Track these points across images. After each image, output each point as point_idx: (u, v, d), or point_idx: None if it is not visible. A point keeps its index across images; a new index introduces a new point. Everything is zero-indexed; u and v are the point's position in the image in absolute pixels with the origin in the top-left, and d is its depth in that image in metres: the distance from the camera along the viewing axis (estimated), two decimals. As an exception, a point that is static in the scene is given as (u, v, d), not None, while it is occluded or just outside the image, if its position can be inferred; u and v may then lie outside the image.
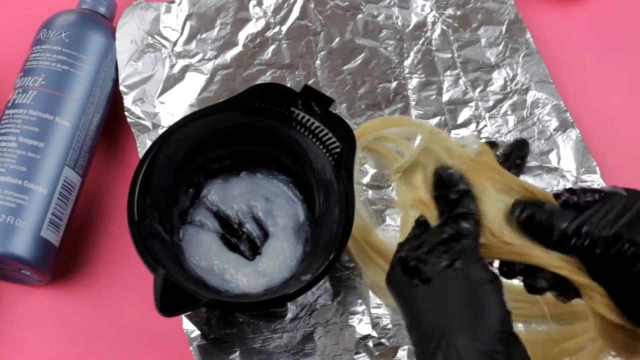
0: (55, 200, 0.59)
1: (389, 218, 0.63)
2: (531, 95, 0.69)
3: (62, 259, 0.61)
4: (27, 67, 0.63)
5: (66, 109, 0.61)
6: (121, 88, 0.66)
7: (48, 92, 0.61)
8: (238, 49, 0.70)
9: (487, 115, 0.68)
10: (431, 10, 0.73)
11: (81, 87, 0.62)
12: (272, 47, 0.70)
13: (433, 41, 0.71)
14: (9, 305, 0.61)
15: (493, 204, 0.44)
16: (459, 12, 0.73)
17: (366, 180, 0.64)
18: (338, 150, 0.58)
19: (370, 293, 0.60)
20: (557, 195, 0.44)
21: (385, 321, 0.59)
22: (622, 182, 0.65)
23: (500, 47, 0.71)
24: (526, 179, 0.65)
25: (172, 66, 0.68)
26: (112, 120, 0.67)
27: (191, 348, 0.57)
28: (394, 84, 0.69)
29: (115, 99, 0.67)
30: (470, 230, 0.42)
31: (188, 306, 0.51)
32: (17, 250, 0.57)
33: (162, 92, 0.67)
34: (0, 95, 0.64)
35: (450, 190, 0.44)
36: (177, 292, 0.51)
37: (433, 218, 0.44)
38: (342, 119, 0.59)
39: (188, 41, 0.70)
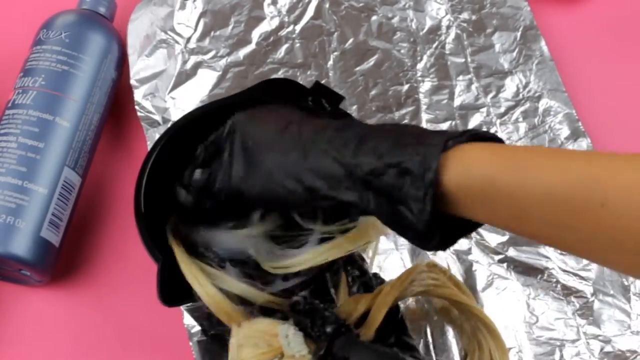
0: (55, 201, 0.59)
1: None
2: (543, 103, 0.68)
3: (62, 259, 0.61)
4: (27, 68, 0.63)
5: (66, 109, 0.61)
6: (132, 82, 0.66)
7: (48, 92, 0.61)
8: (251, 47, 0.70)
9: (498, 121, 0.68)
10: (446, 14, 0.72)
11: (81, 87, 0.62)
12: (285, 46, 0.70)
13: (447, 45, 0.71)
14: (9, 305, 0.61)
15: None
16: (474, 17, 0.72)
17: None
18: None
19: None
20: None
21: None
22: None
23: (514, 54, 0.71)
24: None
25: (184, 62, 0.68)
26: (117, 119, 0.67)
27: (191, 343, 0.57)
28: (405, 87, 0.69)
29: (120, 97, 0.67)
30: None
31: (190, 297, 0.51)
32: (17, 250, 0.57)
33: (174, 87, 0.67)
34: (0, 95, 0.64)
35: None
36: (179, 282, 0.51)
37: None
38: (352, 116, 0.59)
39: (201, 38, 0.70)
